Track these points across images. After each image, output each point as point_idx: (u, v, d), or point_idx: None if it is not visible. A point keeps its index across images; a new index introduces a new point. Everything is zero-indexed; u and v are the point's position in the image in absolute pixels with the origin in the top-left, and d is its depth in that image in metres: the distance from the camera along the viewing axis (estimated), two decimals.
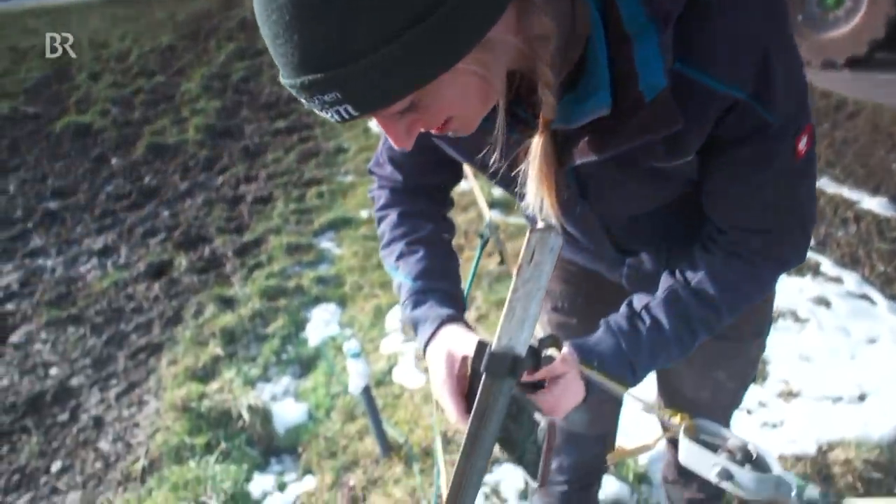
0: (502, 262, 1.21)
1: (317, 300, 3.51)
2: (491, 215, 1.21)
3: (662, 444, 1.87)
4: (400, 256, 1.09)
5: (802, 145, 0.84)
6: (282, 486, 2.40)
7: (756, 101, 0.77)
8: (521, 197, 0.88)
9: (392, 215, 1.14)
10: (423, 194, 1.16)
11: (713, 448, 0.70)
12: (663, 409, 0.78)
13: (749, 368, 1.40)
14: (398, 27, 0.60)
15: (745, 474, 0.66)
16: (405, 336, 3.12)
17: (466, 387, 0.91)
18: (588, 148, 0.81)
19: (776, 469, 0.66)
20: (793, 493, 0.63)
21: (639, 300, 0.96)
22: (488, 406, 0.81)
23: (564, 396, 0.88)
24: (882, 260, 3.46)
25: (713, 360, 1.32)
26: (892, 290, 3.25)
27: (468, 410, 0.89)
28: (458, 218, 4.09)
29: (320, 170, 5.18)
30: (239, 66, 7.85)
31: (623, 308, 0.97)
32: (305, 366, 3.05)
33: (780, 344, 2.85)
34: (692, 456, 0.72)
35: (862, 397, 2.60)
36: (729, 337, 1.23)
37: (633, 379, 0.92)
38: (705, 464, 0.70)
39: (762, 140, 0.81)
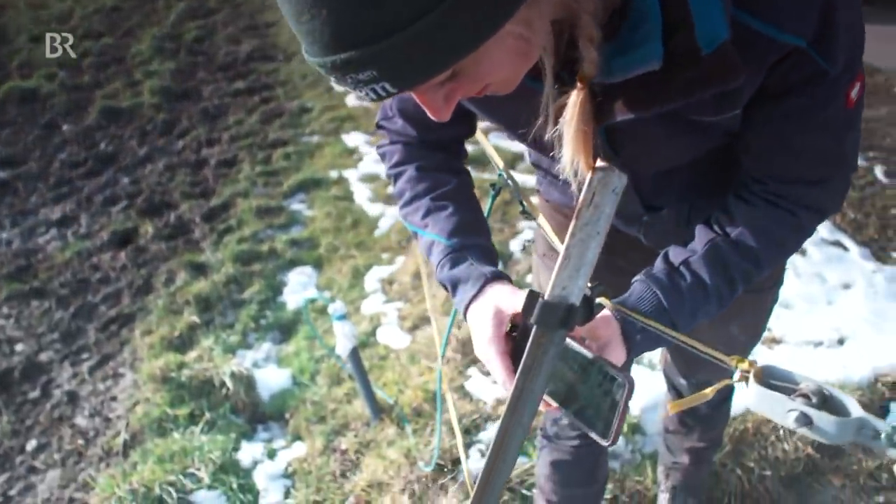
0: (524, 211, 1.15)
1: (292, 263, 3.42)
2: (503, 165, 1.15)
3: (662, 395, 1.87)
4: (427, 214, 1.02)
5: (854, 93, 0.80)
6: (271, 454, 2.35)
7: (815, 50, 0.73)
8: (557, 160, 0.82)
9: (410, 171, 1.07)
10: (438, 148, 1.10)
11: (785, 393, 0.68)
12: (730, 357, 0.74)
13: (762, 321, 1.38)
14: None
15: (824, 418, 0.63)
16: (386, 296, 3.07)
17: (512, 346, 0.87)
18: (631, 104, 0.75)
19: (855, 411, 0.64)
20: (882, 436, 0.61)
21: (676, 254, 0.92)
22: (536, 359, 0.77)
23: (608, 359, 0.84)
24: (852, 207, 3.52)
25: (730, 313, 1.29)
26: (863, 236, 3.32)
27: (515, 370, 0.85)
28: None
29: (285, 130, 5.02)
30: (191, 25, 7.52)
31: (660, 263, 0.92)
32: (286, 330, 2.98)
33: None
34: (764, 402, 0.69)
35: (840, 341, 2.65)
36: (749, 289, 1.21)
37: (673, 338, 0.89)
38: (779, 410, 0.67)
39: (815, 89, 0.77)
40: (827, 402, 0.66)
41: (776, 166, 0.88)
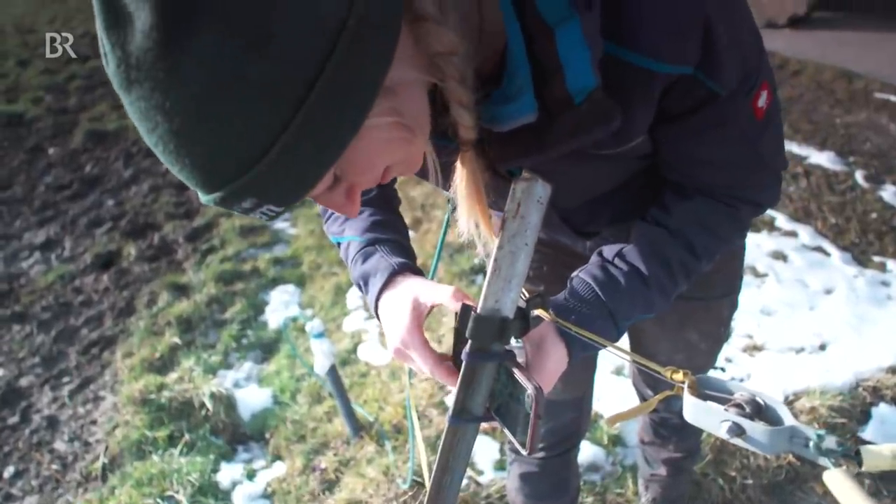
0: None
1: (274, 282, 3.41)
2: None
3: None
4: (346, 220, 1.01)
5: (762, 102, 0.79)
6: (251, 475, 2.33)
7: (701, 74, 0.72)
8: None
9: None
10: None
11: (720, 403, 0.67)
12: (665, 368, 0.73)
13: (721, 328, 1.38)
14: (282, 119, 0.53)
15: (757, 428, 0.63)
16: (368, 313, 3.06)
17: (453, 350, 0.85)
18: (524, 150, 0.74)
19: (788, 420, 0.63)
20: (810, 444, 0.60)
21: (609, 250, 0.91)
22: (475, 375, 0.76)
23: (549, 364, 0.81)
24: (833, 212, 3.53)
25: (684, 321, 1.29)
26: (844, 241, 3.32)
27: (441, 362, 0.84)
28: (414, 191, 4.02)
29: None
30: None
31: (594, 258, 0.91)
32: (267, 350, 2.96)
33: (741, 299, 2.88)
34: (699, 413, 0.68)
35: (822, 347, 2.65)
36: (697, 297, 1.20)
37: (615, 332, 0.86)
38: (713, 421, 0.66)
39: (713, 107, 0.76)
40: (761, 411, 0.66)
41: (700, 178, 0.88)
